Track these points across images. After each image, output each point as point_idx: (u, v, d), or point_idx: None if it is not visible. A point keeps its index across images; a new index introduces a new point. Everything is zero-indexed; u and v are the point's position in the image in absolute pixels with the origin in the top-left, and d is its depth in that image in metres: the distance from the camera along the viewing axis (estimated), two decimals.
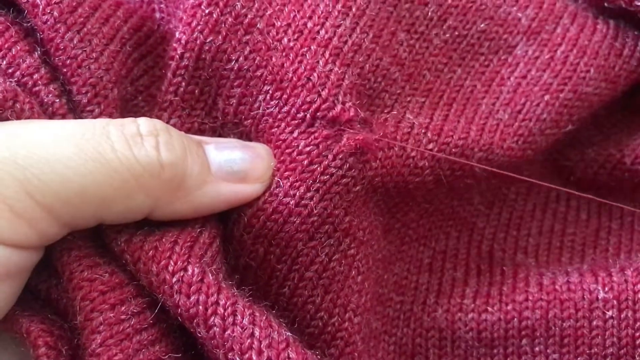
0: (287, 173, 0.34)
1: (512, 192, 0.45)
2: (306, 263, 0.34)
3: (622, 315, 0.38)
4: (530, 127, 0.40)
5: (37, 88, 0.33)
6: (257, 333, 0.30)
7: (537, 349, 0.39)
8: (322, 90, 0.35)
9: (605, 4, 0.42)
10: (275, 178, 0.35)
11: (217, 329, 0.30)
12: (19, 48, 0.34)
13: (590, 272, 0.40)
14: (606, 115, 0.45)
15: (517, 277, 0.41)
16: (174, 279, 0.31)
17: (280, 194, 0.34)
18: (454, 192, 0.42)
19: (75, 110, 0.34)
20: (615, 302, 0.38)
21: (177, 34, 0.37)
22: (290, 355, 0.30)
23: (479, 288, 0.41)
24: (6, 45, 0.34)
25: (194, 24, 0.36)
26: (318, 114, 0.35)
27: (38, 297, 0.33)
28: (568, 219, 0.45)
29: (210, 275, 0.31)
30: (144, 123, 0.32)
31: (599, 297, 0.38)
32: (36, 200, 0.29)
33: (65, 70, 0.34)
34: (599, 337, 0.38)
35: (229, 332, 0.30)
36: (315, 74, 0.35)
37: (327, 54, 0.35)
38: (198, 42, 0.36)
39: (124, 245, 0.32)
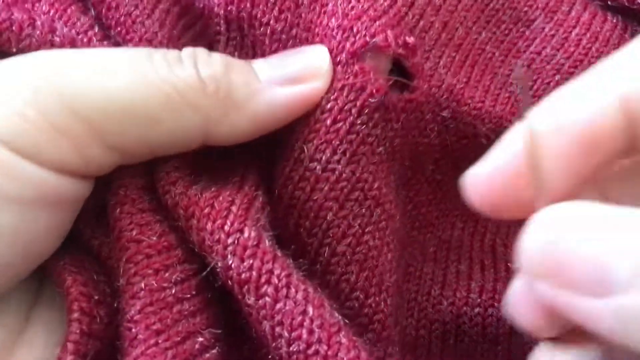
0: (311, 135, 0.33)
1: None
2: (338, 235, 0.33)
3: None
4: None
5: (92, 44, 0.34)
6: (310, 311, 0.29)
7: None
8: (337, 32, 0.33)
9: (609, 2, 0.43)
10: (298, 143, 0.33)
11: (269, 299, 0.29)
12: (73, 9, 0.34)
13: None
14: None
15: None
16: (230, 240, 0.30)
17: (305, 160, 0.33)
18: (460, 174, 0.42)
19: None
20: None
21: (215, 9, 0.37)
22: (342, 341, 0.29)
23: (484, 283, 0.41)
24: (62, 7, 0.34)
25: None
26: (336, 59, 0.33)
27: (91, 252, 0.33)
28: None
29: (266, 241, 0.30)
30: (185, 50, 0.33)
31: None
32: (80, 116, 0.28)
33: (119, 29, 0.34)
34: None
35: (280, 304, 0.29)
36: (333, 19, 0.34)
37: None
38: (233, 12, 0.36)
39: (179, 198, 0.32)
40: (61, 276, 0.31)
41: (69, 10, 0.34)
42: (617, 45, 0.42)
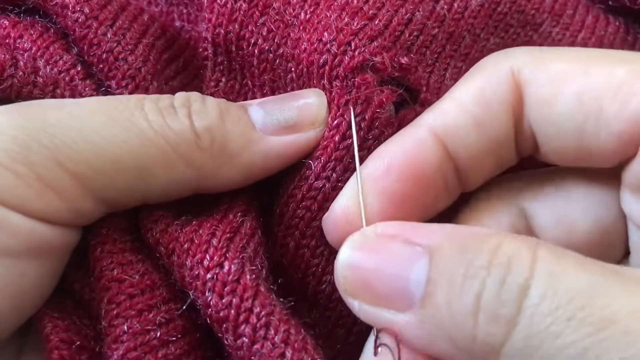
0: (318, 152, 0.32)
1: None
2: None
3: None
4: None
5: (74, 83, 0.33)
6: (288, 355, 0.27)
7: None
8: (332, 45, 0.32)
9: (610, 2, 0.41)
10: (302, 161, 0.32)
11: (246, 340, 0.27)
12: (56, 46, 0.34)
13: None
14: None
15: None
16: (209, 275, 0.29)
17: (310, 177, 0.32)
18: None
19: None
20: None
21: (204, 33, 0.36)
22: None
23: None
24: (44, 45, 0.34)
25: (214, 19, 0.35)
26: (332, 73, 0.32)
27: (72, 296, 0.32)
28: None
29: (248, 275, 0.29)
30: (178, 96, 0.31)
31: None
32: (66, 169, 0.28)
33: (102, 66, 0.33)
34: None
35: (257, 346, 0.27)
36: (326, 34, 0.32)
37: (343, 14, 0.33)
38: (221, 35, 0.35)
39: (159, 235, 0.30)
40: (42, 322, 0.30)
41: (51, 48, 0.34)
42: (621, 48, 0.41)
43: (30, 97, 0.32)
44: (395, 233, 0.27)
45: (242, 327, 0.28)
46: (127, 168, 0.29)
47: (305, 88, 0.33)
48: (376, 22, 0.33)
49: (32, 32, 0.34)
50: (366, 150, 0.31)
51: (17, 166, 0.27)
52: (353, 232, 0.29)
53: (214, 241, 0.30)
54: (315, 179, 0.32)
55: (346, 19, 0.32)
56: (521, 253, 0.25)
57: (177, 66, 0.37)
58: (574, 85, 0.29)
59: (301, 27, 0.34)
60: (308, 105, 0.32)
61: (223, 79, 0.36)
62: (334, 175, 0.31)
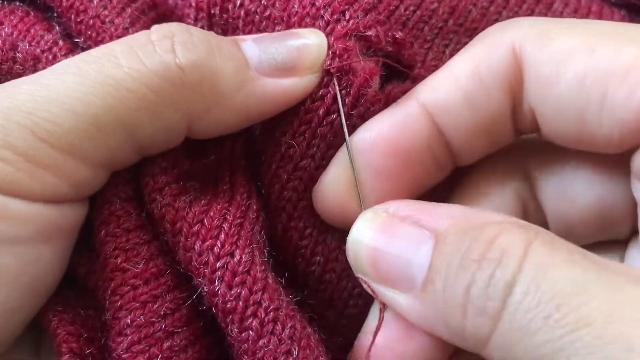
0: (302, 128, 0.30)
1: None
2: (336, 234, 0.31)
3: None
4: None
5: (57, 59, 0.32)
6: (294, 352, 0.27)
7: None
8: (325, 12, 0.30)
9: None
10: (286, 137, 0.30)
11: (252, 334, 0.27)
12: (37, 28, 0.33)
13: None
14: None
15: None
16: (219, 264, 0.28)
17: (295, 156, 0.30)
18: None
19: None
20: None
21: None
22: None
23: None
24: (25, 28, 0.33)
25: None
26: (337, 40, 0.30)
27: (76, 283, 0.31)
28: None
29: (258, 266, 0.28)
30: (156, 29, 0.28)
31: None
32: (51, 144, 0.26)
33: (90, 32, 0.32)
34: None
35: (264, 340, 0.27)
36: (336, 3, 0.30)
37: None
38: None
39: (165, 210, 0.29)
40: (46, 317, 0.29)
41: (32, 30, 0.33)
42: None
43: (10, 73, 0.31)
44: (407, 214, 0.27)
45: (250, 320, 0.27)
46: (111, 126, 0.27)
47: None
48: None
49: (13, 18, 0.33)
50: (351, 127, 0.30)
51: (2, 151, 0.25)
52: (343, 205, 0.29)
53: (225, 226, 0.28)
54: (300, 159, 0.30)
55: None
56: (514, 247, 0.24)
57: None
58: (577, 66, 0.27)
59: None
60: (307, 46, 0.30)
61: None
62: (319, 153, 0.30)
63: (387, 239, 0.27)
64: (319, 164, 0.30)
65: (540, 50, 0.28)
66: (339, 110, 0.29)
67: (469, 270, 0.25)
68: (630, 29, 0.28)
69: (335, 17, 0.30)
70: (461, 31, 0.34)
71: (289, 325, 0.27)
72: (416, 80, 0.32)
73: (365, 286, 0.28)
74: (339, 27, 0.30)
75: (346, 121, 0.30)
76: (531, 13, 0.37)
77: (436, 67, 0.32)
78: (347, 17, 0.30)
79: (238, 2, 0.33)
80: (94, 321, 0.30)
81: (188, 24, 0.34)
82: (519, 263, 0.24)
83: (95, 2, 0.33)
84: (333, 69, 0.29)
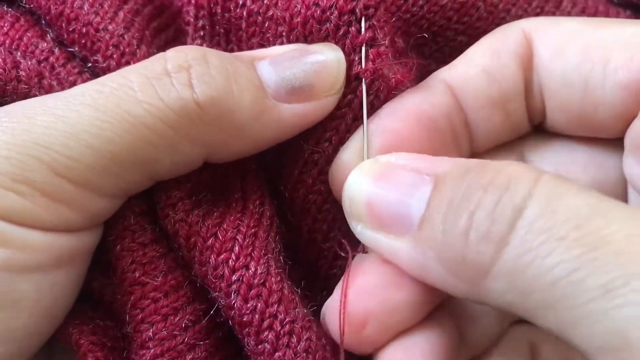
0: (328, 134, 0.30)
1: None
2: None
3: None
4: None
5: (56, 70, 0.31)
6: None
7: None
8: (332, 13, 0.29)
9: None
10: (309, 144, 0.30)
11: (268, 347, 0.27)
12: (30, 35, 0.32)
13: None
14: None
15: None
16: (234, 277, 0.28)
17: (321, 161, 0.30)
18: None
19: None
20: None
21: None
22: None
23: None
24: (17, 35, 0.32)
25: None
26: (329, 39, 0.30)
27: (90, 297, 0.31)
28: None
29: (273, 277, 0.28)
30: (172, 56, 0.28)
31: None
32: (68, 179, 0.26)
33: (84, 41, 0.31)
34: None
35: (279, 353, 0.27)
36: None
37: None
38: None
39: (178, 226, 0.29)
40: (66, 330, 0.29)
41: (24, 38, 0.32)
42: None
43: (15, 93, 0.30)
44: (405, 163, 0.27)
45: (265, 333, 0.27)
46: (129, 162, 0.27)
47: None
48: None
49: (3, 24, 0.32)
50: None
51: (19, 186, 0.25)
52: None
53: (239, 238, 0.29)
54: (326, 164, 0.30)
55: None
56: (523, 175, 0.24)
57: (167, 35, 0.35)
58: (582, 38, 0.28)
59: None
60: (325, 66, 0.29)
61: (204, 46, 0.34)
62: None
63: (384, 184, 0.27)
64: None
65: (548, 30, 0.29)
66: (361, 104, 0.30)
67: (474, 197, 0.24)
68: (634, 21, 0.30)
69: (344, 19, 0.29)
70: (461, 29, 0.34)
71: (305, 337, 0.28)
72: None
73: (357, 233, 0.28)
74: (352, 30, 0.29)
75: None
76: (540, 11, 0.36)
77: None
78: (358, 14, 0.29)
79: (240, 2, 0.32)
80: (114, 331, 0.30)
81: (187, 22, 0.34)
82: (529, 190, 0.23)
83: (85, 9, 0.31)
84: (365, 74, 0.29)
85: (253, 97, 0.28)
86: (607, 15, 0.38)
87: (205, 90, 0.27)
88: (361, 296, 0.27)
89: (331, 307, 0.28)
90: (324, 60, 0.29)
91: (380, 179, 0.27)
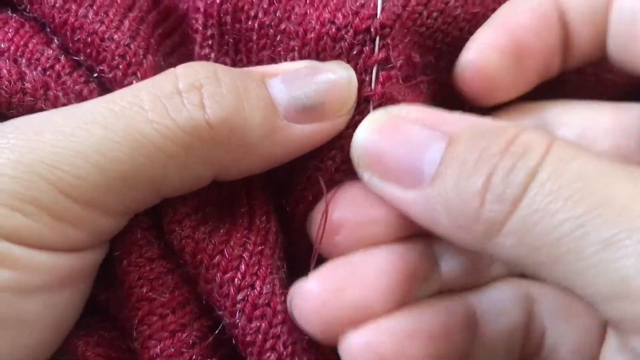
0: (333, 152, 0.30)
1: None
2: None
3: None
4: None
5: (62, 79, 0.30)
6: None
7: None
8: (347, 32, 0.29)
9: None
10: (314, 161, 0.30)
11: None
12: (35, 42, 0.31)
13: None
14: None
15: None
16: (239, 297, 0.28)
17: (323, 178, 0.30)
18: None
19: (113, 91, 0.30)
20: None
21: (196, 3, 0.33)
22: None
23: None
24: (22, 42, 0.31)
25: None
26: (342, 57, 0.30)
27: (95, 308, 0.31)
28: None
29: (278, 297, 0.28)
30: (183, 74, 0.27)
31: None
32: (74, 199, 0.26)
33: (89, 50, 0.30)
34: None
35: None
36: (340, 15, 0.29)
37: None
38: (215, 6, 0.32)
39: (185, 242, 0.29)
40: (71, 343, 0.29)
41: (30, 45, 0.31)
42: None
43: (21, 105, 0.29)
44: (418, 117, 0.28)
45: (268, 354, 0.28)
46: (137, 181, 0.26)
47: None
48: (389, 6, 0.30)
49: (7, 30, 0.31)
50: None
51: (25, 206, 0.25)
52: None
53: (246, 255, 0.29)
54: (328, 182, 0.30)
55: (359, 2, 0.29)
56: (537, 143, 0.25)
57: (173, 41, 0.34)
58: None
59: (308, 1, 0.31)
60: (337, 86, 0.29)
61: (212, 55, 0.33)
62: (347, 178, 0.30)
63: (396, 137, 0.27)
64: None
65: None
66: None
67: (490, 162, 0.25)
68: None
69: (359, 38, 0.29)
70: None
71: (306, 359, 0.28)
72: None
73: (365, 180, 0.28)
74: (366, 49, 0.29)
75: None
76: None
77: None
78: (372, 33, 0.29)
79: (252, 14, 0.32)
80: (119, 342, 0.30)
81: (196, 30, 0.33)
82: (542, 155, 0.25)
83: (90, 17, 0.31)
84: (374, 97, 0.29)
85: (264, 117, 0.28)
86: None
87: (217, 110, 0.27)
88: (340, 205, 0.29)
89: (314, 213, 0.30)
90: (336, 79, 0.29)
91: (391, 131, 0.27)
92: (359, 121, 0.29)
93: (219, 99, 0.27)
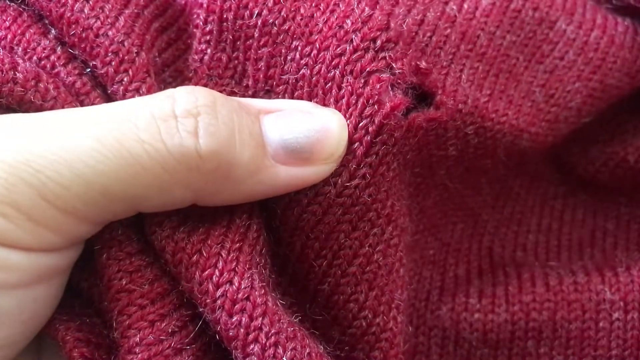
0: None
1: (517, 184, 0.44)
2: (349, 256, 0.32)
3: (628, 317, 0.39)
4: (558, 114, 0.39)
5: (56, 70, 0.31)
6: None
7: (542, 350, 0.40)
8: (356, 36, 0.30)
9: (614, 2, 0.40)
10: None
11: (255, 358, 0.28)
12: (32, 32, 0.31)
13: (597, 272, 0.40)
14: (612, 112, 0.44)
15: (522, 276, 0.41)
16: (218, 292, 0.29)
17: (319, 183, 0.31)
18: (468, 177, 0.41)
19: (105, 86, 0.31)
20: (621, 303, 0.39)
21: None
22: None
23: (483, 287, 0.41)
24: (19, 31, 0.31)
25: None
26: (347, 67, 0.30)
27: (79, 295, 0.32)
28: (564, 217, 0.45)
29: (257, 291, 0.29)
30: (182, 98, 0.27)
31: (606, 298, 0.39)
32: (55, 206, 0.26)
33: (83, 45, 0.31)
34: (604, 338, 0.39)
35: None
36: (348, 21, 0.30)
37: (362, 2, 0.31)
38: (218, 1, 0.33)
39: (165, 242, 0.30)
40: (53, 326, 0.30)
41: (27, 34, 0.31)
42: (631, 49, 0.40)
43: (11, 95, 0.30)
44: None
45: (251, 346, 0.28)
46: (118, 197, 0.27)
47: (308, 70, 0.31)
48: (396, 20, 0.31)
49: (5, 18, 0.32)
50: (374, 155, 0.31)
51: (4, 208, 0.25)
52: None
53: (223, 253, 0.29)
54: (323, 184, 0.31)
55: (367, 10, 0.31)
56: None
57: (169, 36, 0.35)
58: None
59: (314, 3, 0.32)
60: (328, 135, 0.29)
61: (208, 51, 0.34)
62: (339, 181, 0.31)
63: None
64: (339, 191, 0.31)
65: None
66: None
67: None
68: None
69: (365, 44, 0.30)
70: (472, 56, 0.35)
71: (290, 347, 0.29)
72: (439, 107, 0.33)
73: None
74: (367, 55, 0.30)
75: (368, 148, 0.31)
76: (533, 34, 0.37)
77: (456, 92, 0.34)
78: (378, 45, 0.30)
79: (256, 11, 0.32)
80: (101, 328, 0.31)
81: (196, 25, 0.34)
82: None
83: (86, 12, 0.31)
84: (362, 97, 0.30)
85: (252, 155, 0.28)
86: (604, 28, 0.39)
87: (209, 141, 0.27)
88: None
89: None
90: (328, 128, 0.30)
91: None
92: (348, 124, 0.30)
93: (214, 130, 0.27)
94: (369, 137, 0.30)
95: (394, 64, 0.30)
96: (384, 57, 0.30)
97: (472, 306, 0.40)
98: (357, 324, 0.33)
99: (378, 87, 0.30)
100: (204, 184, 0.28)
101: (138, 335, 0.29)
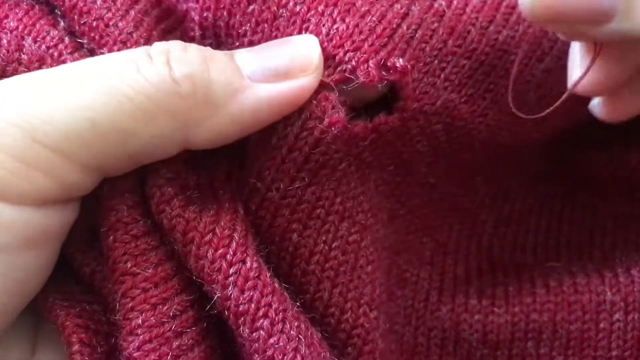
0: (267, 164, 0.32)
1: (515, 183, 0.44)
2: (306, 255, 0.33)
3: (628, 318, 0.39)
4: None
5: (63, 57, 0.32)
6: (302, 349, 0.29)
7: (542, 351, 0.40)
8: (334, 62, 0.32)
9: None
10: (254, 171, 0.32)
11: (263, 333, 0.29)
12: (42, 23, 0.33)
13: (597, 273, 0.41)
14: None
15: (522, 277, 0.41)
16: (232, 270, 0.29)
17: (262, 189, 0.32)
18: (455, 175, 0.41)
19: None
20: (622, 304, 0.39)
21: (191, 13, 0.35)
22: None
23: (482, 287, 0.41)
24: (30, 22, 0.32)
25: (200, 2, 0.34)
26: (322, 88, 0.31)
27: (81, 280, 0.32)
28: (563, 218, 0.45)
29: (266, 272, 0.30)
30: (155, 45, 0.30)
31: (607, 299, 0.40)
32: (44, 144, 0.26)
33: (93, 34, 0.32)
34: (605, 339, 0.39)
35: (274, 339, 0.29)
36: (329, 47, 0.32)
37: (335, 13, 0.32)
38: (209, 20, 0.34)
39: (175, 221, 0.30)
40: (53, 312, 0.30)
41: (37, 25, 0.32)
42: None
43: (14, 75, 0.30)
44: None
45: (261, 321, 0.29)
46: (106, 130, 0.27)
47: None
48: (368, 19, 0.32)
49: (18, 11, 0.33)
50: (313, 162, 0.31)
51: None
52: None
53: (236, 235, 0.30)
54: (267, 191, 0.32)
55: (335, 25, 0.32)
56: None
57: (174, 39, 0.35)
58: None
59: (291, 21, 0.33)
60: (302, 50, 0.31)
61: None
62: (282, 186, 0.32)
63: None
64: (282, 195, 0.32)
65: None
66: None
67: None
68: None
69: (326, 62, 0.31)
70: (459, 52, 0.35)
71: (296, 325, 0.30)
72: (404, 112, 0.33)
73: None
74: (325, 74, 0.31)
75: (307, 157, 0.31)
76: (532, 30, 0.38)
77: (425, 95, 0.34)
78: (337, 61, 0.31)
79: (241, 32, 0.34)
80: (100, 315, 0.31)
81: (192, 38, 0.35)
82: None
83: (98, 4, 0.33)
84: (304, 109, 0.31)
85: (228, 77, 0.29)
86: None
87: (181, 67, 0.29)
88: None
89: None
90: (298, 45, 0.31)
91: None
92: (289, 132, 0.31)
93: (184, 61, 0.29)
94: (307, 148, 0.31)
95: (358, 69, 0.31)
96: (343, 70, 0.31)
97: (471, 307, 0.40)
98: (327, 322, 0.34)
99: (323, 104, 0.31)
100: (186, 110, 0.29)
101: (140, 317, 0.29)
